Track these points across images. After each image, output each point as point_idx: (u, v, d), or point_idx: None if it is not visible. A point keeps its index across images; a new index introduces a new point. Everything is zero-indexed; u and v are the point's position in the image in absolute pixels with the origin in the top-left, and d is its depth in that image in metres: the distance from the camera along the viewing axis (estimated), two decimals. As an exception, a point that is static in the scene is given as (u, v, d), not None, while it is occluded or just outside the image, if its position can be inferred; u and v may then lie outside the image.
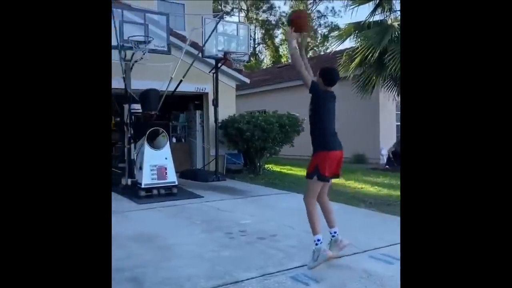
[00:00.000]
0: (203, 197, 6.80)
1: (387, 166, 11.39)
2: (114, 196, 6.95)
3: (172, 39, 8.39)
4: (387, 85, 10.97)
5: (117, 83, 7.33)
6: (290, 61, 3.56)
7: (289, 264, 3.43)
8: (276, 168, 11.11)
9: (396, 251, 3.61)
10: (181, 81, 7.80)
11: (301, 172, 10.54)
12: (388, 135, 12.43)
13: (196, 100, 10.87)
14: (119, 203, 6.30)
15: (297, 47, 3.49)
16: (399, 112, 13.07)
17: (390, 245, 3.81)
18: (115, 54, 7.45)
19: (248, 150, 9.54)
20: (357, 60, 10.37)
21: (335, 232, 3.49)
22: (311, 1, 31.37)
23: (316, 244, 3.25)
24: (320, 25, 32.13)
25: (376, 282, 3.06)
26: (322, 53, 28.65)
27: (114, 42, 6.98)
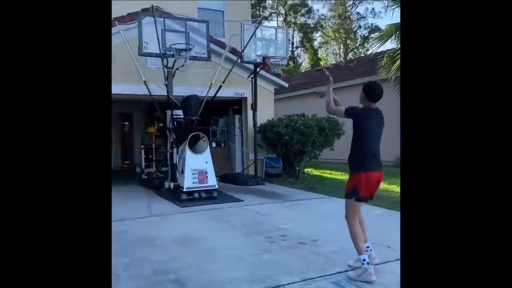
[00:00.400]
0: (242, 201, 6.86)
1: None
2: (158, 199, 7.16)
3: (212, 45, 8.55)
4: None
5: (160, 90, 7.57)
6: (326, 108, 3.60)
7: (330, 270, 3.40)
8: (316, 172, 11.01)
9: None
10: (220, 86, 7.93)
11: (342, 176, 10.39)
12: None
13: (235, 105, 11.00)
14: (162, 206, 6.48)
15: (335, 99, 3.60)
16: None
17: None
18: (158, 61, 7.71)
19: (287, 154, 9.52)
20: (398, 62, 10.10)
21: (367, 247, 3.41)
22: (351, 3, 30.94)
23: (363, 264, 3.18)
24: (360, 26, 31.64)
25: None
26: (362, 55, 28.17)
27: (156, 50, 7.23)
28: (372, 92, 3.35)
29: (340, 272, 3.33)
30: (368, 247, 3.40)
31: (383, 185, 8.06)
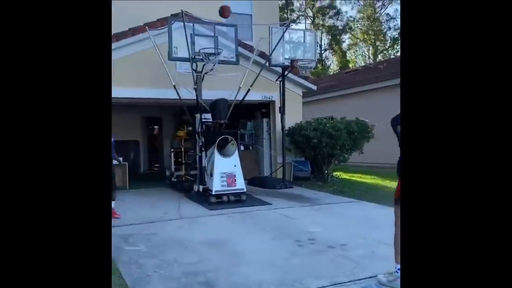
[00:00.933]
0: (271, 204, 6.85)
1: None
2: (187, 201, 7.25)
3: (240, 49, 8.61)
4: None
5: (189, 94, 7.68)
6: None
7: (360, 274, 3.34)
8: (345, 176, 10.87)
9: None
10: (249, 90, 7.97)
11: (372, 180, 10.22)
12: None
13: (263, 108, 11.02)
14: (191, 209, 6.56)
15: None
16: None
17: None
18: (187, 66, 7.83)
19: (316, 157, 9.45)
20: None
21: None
22: (380, 4, 30.47)
23: (397, 272, 3.10)
24: (389, 28, 31.07)
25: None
26: (392, 56, 27.64)
27: (186, 54, 7.34)
28: None
29: (370, 277, 3.27)
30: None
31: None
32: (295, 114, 10.15)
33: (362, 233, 4.70)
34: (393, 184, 9.09)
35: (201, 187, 7.58)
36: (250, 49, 9.46)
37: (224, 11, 7.64)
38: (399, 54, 21.78)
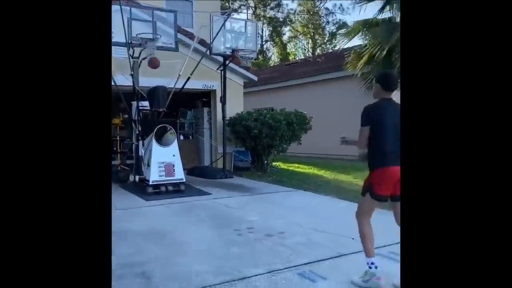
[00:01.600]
0: (211, 194, 6.82)
1: (395, 164, 11.32)
2: (122, 192, 7.00)
3: (180, 36, 8.41)
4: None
5: (125, 80, 7.38)
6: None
7: (296, 261, 3.44)
8: (284, 166, 11.11)
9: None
10: (189, 78, 7.82)
11: (309, 170, 10.54)
12: (396, 133, 12.36)
13: (204, 97, 10.90)
14: (127, 200, 6.35)
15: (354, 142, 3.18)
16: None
17: (398, 242, 3.79)
18: (124, 51, 7.50)
19: (256, 148, 9.55)
20: (365, 58, 10.30)
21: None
22: (319, -1, 31.24)
23: (370, 268, 2.91)
24: (328, 22, 32.00)
25: (387, 279, 3.05)
26: (330, 50, 28.55)
27: (122, 39, 7.02)
28: (385, 80, 3.04)
29: (306, 264, 3.38)
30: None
31: (348, 178, 8.25)
32: (236, 104, 10.16)
33: (299, 221, 4.84)
34: (328, 175, 9.47)
35: (137, 177, 7.35)
36: (191, 36, 9.28)
37: (152, 62, 7.20)
38: (336, 48, 22.51)
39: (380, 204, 3.02)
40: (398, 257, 3.50)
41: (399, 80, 3.05)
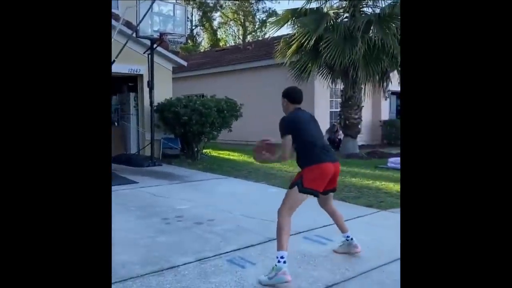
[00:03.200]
0: (137, 182, 6.60)
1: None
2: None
3: (103, 16, 7.93)
4: (322, 73, 11.29)
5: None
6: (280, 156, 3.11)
7: (226, 248, 3.46)
8: (214, 153, 11.07)
9: (329, 232, 3.78)
10: (113, 61, 7.41)
11: (239, 157, 10.61)
12: (322, 121, 12.84)
13: (130, 82, 10.43)
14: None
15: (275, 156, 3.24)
16: (332, 99, 13.59)
17: (323, 226, 3.98)
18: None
19: (186, 135, 9.38)
20: (293, 47, 10.53)
21: (348, 237, 3.32)
22: (250, -15, 31.21)
23: (279, 261, 2.79)
24: (258, 10, 32.15)
25: (310, 263, 3.19)
26: (260, 38, 28.75)
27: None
28: (293, 95, 3.26)
29: (235, 250, 3.41)
30: (348, 236, 3.31)
31: (276, 165, 8.44)
32: (164, 89, 9.86)
33: (229, 208, 4.86)
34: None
35: (57, 166, 6.87)
36: (116, 17, 8.78)
37: None
38: (266, 36, 22.71)
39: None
40: (325, 240, 3.67)
41: (301, 94, 3.32)
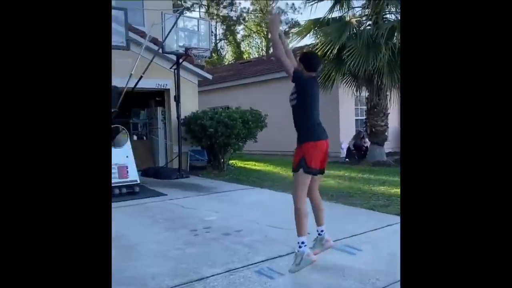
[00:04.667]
0: (166, 195, 6.71)
1: (347, 159, 11.69)
2: (73, 196, 6.73)
3: (131, 34, 8.20)
4: (346, 81, 11.23)
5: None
6: (272, 51, 3.17)
7: (254, 259, 3.47)
8: (240, 164, 11.14)
9: (357, 241, 3.73)
10: (141, 77, 7.64)
11: (265, 167, 10.64)
12: (347, 129, 12.75)
13: (158, 97, 10.68)
14: (78, 204, 6.10)
15: (281, 35, 3.21)
16: (357, 107, 13.45)
17: (352, 236, 3.93)
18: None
19: (212, 147, 9.50)
20: (317, 56, 10.50)
21: (322, 231, 3.31)
22: (272, -2, 31.52)
23: (300, 247, 2.94)
24: (280, 21, 32.34)
25: (339, 273, 3.15)
26: (283, 49, 28.81)
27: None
28: (313, 60, 3.19)
29: (263, 261, 3.41)
30: (322, 230, 3.32)
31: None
32: (191, 103, 10.05)
33: (256, 218, 4.88)
34: (285, 171, 9.60)
35: (89, 180, 7.08)
36: (142, 34, 9.06)
37: None
38: (289, 47, 22.73)
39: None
40: (353, 250, 3.63)
41: (320, 61, 3.27)
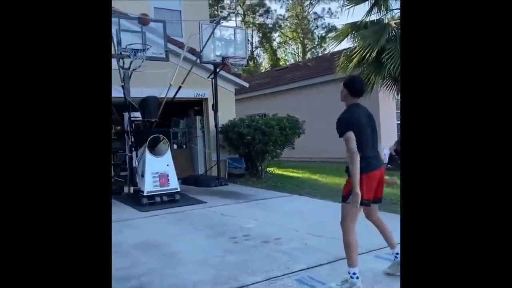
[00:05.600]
0: (206, 202, 6.79)
1: (389, 166, 11.37)
2: (117, 204, 6.94)
3: (169, 45, 8.41)
4: (386, 84, 10.95)
5: (116, 92, 7.34)
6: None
7: (294, 267, 3.42)
8: (278, 171, 11.10)
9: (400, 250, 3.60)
10: (180, 87, 7.81)
11: (303, 174, 10.53)
12: (389, 134, 12.41)
13: (196, 106, 10.87)
14: (122, 212, 6.29)
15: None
16: (399, 111, 13.08)
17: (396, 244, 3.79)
18: (113, 63, 7.47)
19: (250, 154, 9.53)
20: (355, 60, 10.34)
21: (397, 253, 3.13)
22: (307, 3, 31.42)
23: (351, 278, 2.83)
24: (317, 26, 32.18)
25: (383, 282, 3.05)
26: (320, 54, 28.67)
27: (112, 50, 7.00)
28: (355, 86, 3.02)
29: (303, 269, 3.36)
30: (398, 253, 3.12)
31: (342, 181, 8.25)
32: (228, 111, 10.15)
33: (295, 226, 4.82)
34: (323, 178, 9.46)
35: (132, 189, 7.30)
36: (180, 45, 9.28)
37: (143, 21, 7.45)
38: (326, 51, 22.58)
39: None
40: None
41: (364, 86, 3.09)
